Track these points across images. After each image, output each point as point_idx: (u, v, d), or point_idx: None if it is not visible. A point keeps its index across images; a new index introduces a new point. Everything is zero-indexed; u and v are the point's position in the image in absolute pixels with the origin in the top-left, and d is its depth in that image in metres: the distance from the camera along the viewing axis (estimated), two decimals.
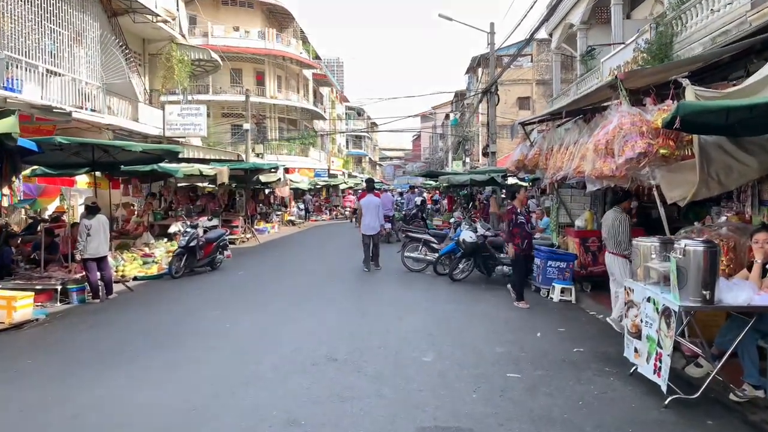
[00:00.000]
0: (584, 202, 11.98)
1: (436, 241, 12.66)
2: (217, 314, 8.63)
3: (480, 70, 46.33)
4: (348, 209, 34.07)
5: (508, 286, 9.95)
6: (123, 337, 7.52)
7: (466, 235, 11.07)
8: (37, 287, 10.06)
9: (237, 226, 20.64)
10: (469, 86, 55.83)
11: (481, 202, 26.85)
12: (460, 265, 11.41)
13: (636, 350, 5.85)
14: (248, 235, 20.82)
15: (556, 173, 9.82)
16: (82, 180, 14.69)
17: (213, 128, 37.96)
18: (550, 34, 28.42)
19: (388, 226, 18.37)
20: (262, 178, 19.86)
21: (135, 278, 12.51)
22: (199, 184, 21.89)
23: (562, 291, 9.86)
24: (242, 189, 22.20)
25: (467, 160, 44.94)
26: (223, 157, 23.32)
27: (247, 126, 25.39)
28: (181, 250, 12.69)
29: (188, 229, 12.93)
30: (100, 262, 10.37)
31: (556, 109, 9.87)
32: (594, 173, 6.96)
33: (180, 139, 22.68)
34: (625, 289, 6.28)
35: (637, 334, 5.84)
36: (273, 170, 20.63)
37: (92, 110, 17.68)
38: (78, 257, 10.40)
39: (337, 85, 58.50)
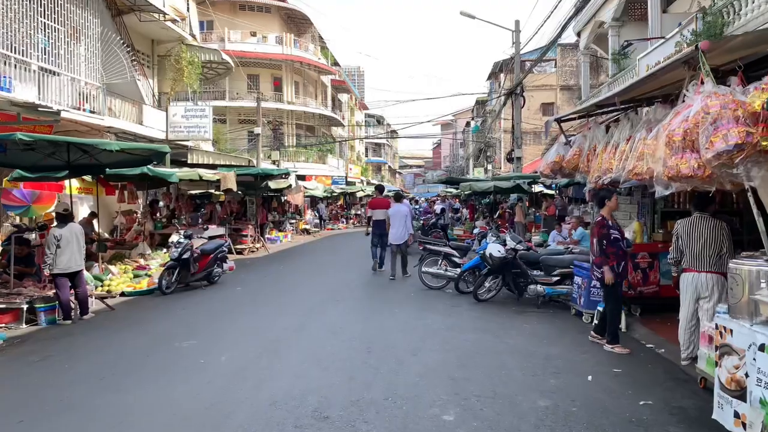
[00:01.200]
0: (630, 210, 10.28)
1: (458, 255, 11.06)
2: (192, 345, 7.10)
3: (502, 75, 44.68)
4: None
5: (592, 332, 7.42)
6: (72, 377, 6.02)
7: (494, 249, 9.44)
8: (1, 306, 8.70)
9: (247, 236, 19.25)
10: (491, 92, 54.16)
11: (504, 210, 25.14)
12: (486, 283, 9.77)
13: (737, 415, 4.18)
14: (258, 245, 19.38)
15: (603, 176, 8.18)
16: (72, 185, 13.33)
17: (229, 135, 36.90)
18: (578, 34, 26.69)
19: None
20: (272, 184, 18.44)
21: (123, 294, 11.12)
22: (215, 192, 20.59)
23: None
24: (252, 196, 20.82)
25: (489, 167, 43.19)
26: (233, 163, 22.00)
27: (258, 130, 24.05)
28: (173, 263, 11.25)
29: (181, 240, 11.49)
30: (74, 277, 8.95)
31: (604, 98, 8.24)
32: (667, 173, 5.29)
33: (187, 143, 21.43)
34: (717, 328, 4.61)
35: (739, 393, 4.19)
36: (284, 176, 19.18)
37: (91, 111, 16.44)
38: (46, 272, 9.00)
39: (355, 92, 57.20)
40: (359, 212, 38.13)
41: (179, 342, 7.21)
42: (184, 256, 11.24)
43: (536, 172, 25.71)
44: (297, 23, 41.80)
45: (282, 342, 7.14)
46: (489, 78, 53.39)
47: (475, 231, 12.74)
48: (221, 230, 17.99)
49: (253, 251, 19.18)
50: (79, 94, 16.15)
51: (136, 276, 12.20)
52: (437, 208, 17.40)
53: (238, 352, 6.74)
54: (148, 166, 11.37)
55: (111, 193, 13.85)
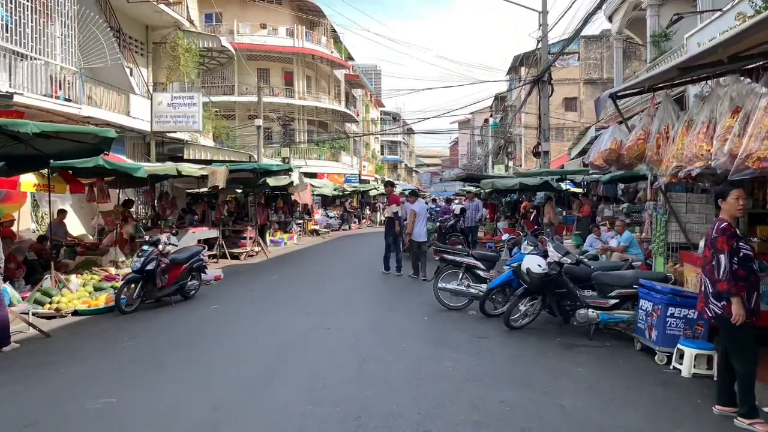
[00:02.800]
0: (705, 212, 7.88)
1: (483, 267, 8.73)
2: (107, 406, 4.88)
3: (523, 69, 42.16)
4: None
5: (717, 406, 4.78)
6: None
7: (532, 263, 7.12)
8: None
9: (246, 238, 17.11)
10: (511, 86, 51.54)
11: (527, 210, 22.70)
12: (522, 307, 7.45)
13: None
14: (257, 249, 17.22)
15: (687, 166, 5.85)
16: (28, 180, 11.27)
17: (238, 130, 34.86)
18: (610, 18, 24.12)
19: None
20: (271, 181, 16.26)
21: (76, 312, 8.99)
22: (206, 190, 18.45)
23: (696, 359, 5.83)
24: (253, 194, 18.69)
25: (510, 164, 40.68)
26: (233, 158, 19.89)
27: (258, 122, 21.86)
28: (135, 275, 9.09)
29: (145, 248, 9.32)
30: None
31: (684, 60, 5.89)
32: None
33: (185, 138, 19.35)
34: None
35: None
36: (287, 173, 16.98)
37: (67, 99, 14.40)
38: None
39: (370, 87, 54.90)
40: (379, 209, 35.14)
41: (94, 400, 5.00)
42: (149, 267, 9.07)
43: (585, 166, 23.10)
44: (309, 15, 39.62)
45: (232, 408, 4.86)
46: (509, 72, 50.82)
47: (505, 237, 10.35)
48: (214, 233, 15.89)
49: (251, 255, 17.04)
50: (53, 80, 14.14)
51: (97, 289, 10.08)
52: (456, 207, 14.95)
53: (163, 426, 4.50)
54: (104, 158, 9.20)
55: (78, 190, 11.78)
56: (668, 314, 6.19)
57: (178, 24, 20.12)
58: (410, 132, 66.38)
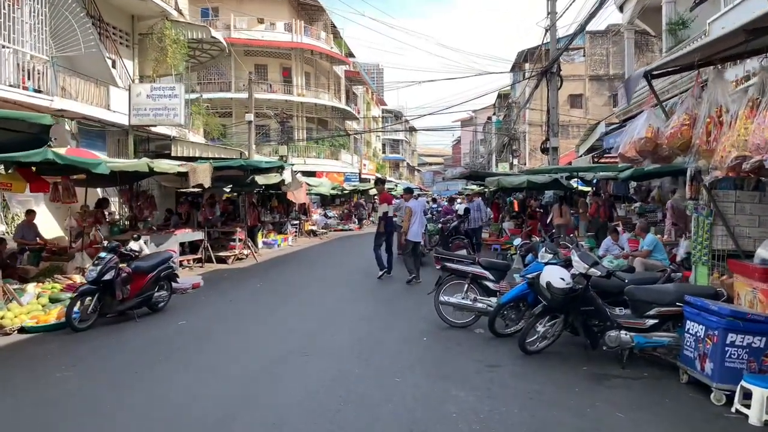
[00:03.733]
0: (759, 213, 6.58)
1: (492, 278, 7.42)
2: None
3: (527, 65, 40.85)
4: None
5: None
6: None
7: (553, 275, 5.81)
8: None
9: (236, 240, 15.85)
10: (515, 83, 50.16)
11: (533, 209, 21.36)
12: (539, 327, 6.14)
13: None
14: (246, 252, 15.94)
15: (757, 155, 4.57)
16: None
17: (234, 128, 33.62)
18: (621, 7, 22.76)
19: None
20: (260, 179, 14.98)
21: (23, 330, 7.73)
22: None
23: None
24: (244, 194, 17.43)
25: (515, 161, 39.32)
26: (223, 155, 18.61)
27: (249, 117, 20.54)
28: (90, 286, 7.81)
29: (102, 255, 8.04)
30: None
31: (761, 15, 4.59)
32: None
33: (171, 134, 18.10)
34: None
35: None
36: (279, 170, 15.67)
37: (37, 90, 13.16)
38: None
39: (371, 84, 53.54)
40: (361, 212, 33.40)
41: None
42: (106, 277, 7.80)
43: (595, 162, 21.62)
44: (308, 10, 38.36)
45: None
46: (513, 69, 49.50)
47: (516, 242, 8.94)
48: (198, 235, 14.61)
49: (240, 259, 15.76)
50: (21, 69, 12.91)
51: (54, 301, 8.82)
52: (459, 207, 13.56)
53: None
54: (54, 151, 7.91)
55: (42, 189, 10.50)
56: (728, 342, 4.89)
57: (166, 14, 18.82)
58: (412, 130, 65.13)
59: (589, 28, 37.00)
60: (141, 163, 10.75)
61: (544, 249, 6.64)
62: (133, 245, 9.97)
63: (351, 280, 11.94)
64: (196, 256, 14.60)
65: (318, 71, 38.59)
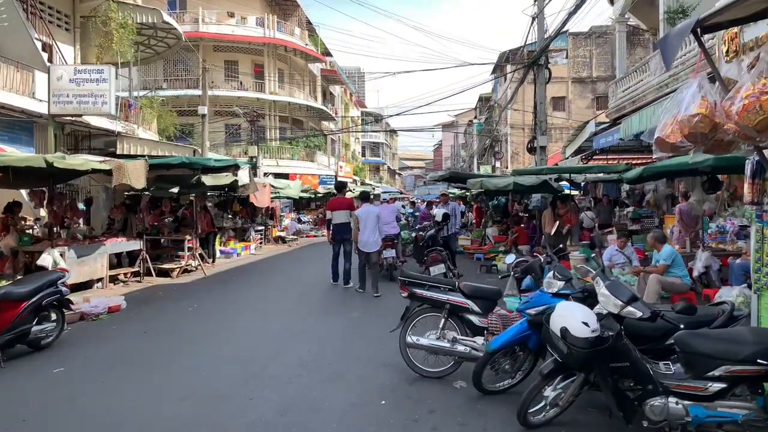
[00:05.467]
0: None
1: (477, 309, 5.38)
2: None
3: (509, 67, 39.14)
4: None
5: None
6: None
7: (571, 320, 3.79)
8: None
9: (187, 249, 13.69)
10: (496, 86, 48.51)
11: (517, 213, 19.46)
12: (549, 392, 4.13)
13: None
14: (195, 263, 13.77)
15: None
16: None
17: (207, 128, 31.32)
18: (612, 0, 21.06)
19: (390, 254, 11.12)
20: (208, 180, 12.81)
21: None
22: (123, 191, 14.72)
23: None
24: (196, 196, 15.25)
25: (497, 164, 37.54)
26: (174, 153, 16.40)
27: (202, 110, 18.33)
28: None
29: None
30: None
31: None
32: None
33: (117, 129, 15.87)
34: None
35: None
36: (233, 169, 13.51)
37: None
38: None
39: (349, 84, 51.45)
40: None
41: None
42: None
43: (603, 159, 19.56)
44: (281, 5, 36.21)
45: None
46: (494, 71, 47.87)
47: (509, 259, 6.78)
48: (134, 244, 12.42)
49: (188, 271, 13.61)
50: None
51: None
52: (437, 212, 11.48)
53: None
54: None
55: None
56: None
57: None
58: (391, 131, 63.26)
59: (572, 29, 35.11)
60: (35, 158, 8.56)
61: (552, 273, 4.62)
62: (43, 259, 7.83)
63: (306, 301, 9.86)
64: (133, 269, 12.45)
65: (292, 69, 36.45)
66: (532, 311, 4.58)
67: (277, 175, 29.48)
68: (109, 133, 15.86)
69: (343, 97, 49.60)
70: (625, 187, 20.75)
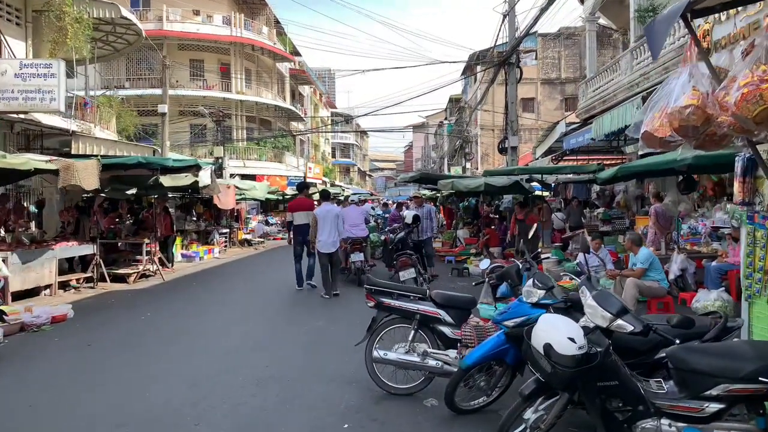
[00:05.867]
0: None
1: (449, 320, 4.91)
2: None
3: (479, 67, 39.01)
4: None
5: None
6: None
7: (556, 336, 3.34)
8: None
9: (146, 253, 12.95)
10: (466, 88, 48.42)
11: (487, 215, 19.17)
12: (530, 414, 3.68)
13: None
14: (154, 268, 13.05)
15: None
16: None
17: (168, 127, 30.35)
18: None
19: (358, 258, 10.61)
20: (166, 180, 12.10)
21: None
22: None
23: None
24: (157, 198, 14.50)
25: (468, 165, 37.35)
26: (133, 153, 15.61)
27: (162, 108, 17.53)
28: None
29: None
30: None
31: None
32: None
33: (72, 129, 15.02)
34: None
35: None
36: (194, 169, 12.82)
37: None
38: None
39: (318, 84, 50.78)
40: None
41: None
42: None
43: (573, 159, 19.44)
44: (249, 3, 35.42)
45: None
46: (464, 72, 47.79)
47: (483, 264, 6.21)
48: (86, 248, 11.67)
49: (146, 276, 12.89)
50: None
51: None
52: (407, 213, 10.96)
53: None
54: None
55: None
56: None
57: None
58: (361, 132, 62.77)
59: (542, 30, 35.00)
60: None
61: (531, 281, 4.19)
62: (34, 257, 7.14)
63: (266, 309, 9.30)
64: (86, 275, 11.70)
65: (260, 68, 35.67)
66: (510, 323, 4.14)
67: (244, 177, 28.72)
68: (63, 133, 15.01)
69: (313, 98, 48.90)
70: (596, 188, 20.65)
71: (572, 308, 4.00)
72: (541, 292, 4.06)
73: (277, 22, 37.16)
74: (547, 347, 3.40)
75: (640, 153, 6.68)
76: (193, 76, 32.51)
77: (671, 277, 8.94)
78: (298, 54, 41.79)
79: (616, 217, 16.16)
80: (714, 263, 8.84)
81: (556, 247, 12.82)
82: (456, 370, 4.63)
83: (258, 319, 8.41)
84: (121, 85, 30.83)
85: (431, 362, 4.77)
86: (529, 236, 11.08)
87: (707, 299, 7.91)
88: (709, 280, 8.77)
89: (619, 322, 3.45)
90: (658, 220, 10.36)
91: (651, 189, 16.23)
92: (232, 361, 6.11)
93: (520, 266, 4.91)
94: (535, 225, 11.17)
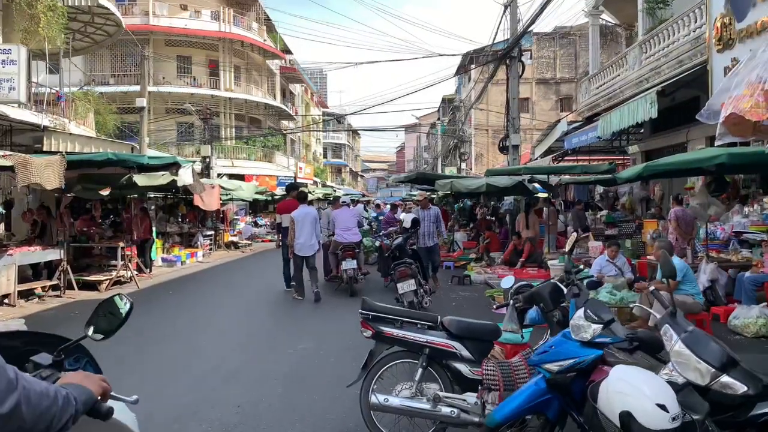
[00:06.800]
0: None
1: (467, 354, 3.86)
2: None
3: (473, 66, 38.03)
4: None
5: None
6: None
7: (637, 401, 2.34)
8: None
9: (121, 258, 11.83)
10: (459, 88, 47.48)
11: (484, 217, 18.18)
12: None
13: None
14: (129, 274, 11.93)
15: None
16: None
17: (153, 125, 29.21)
18: None
19: (350, 266, 9.52)
20: (140, 180, 10.98)
21: None
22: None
23: None
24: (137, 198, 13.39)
25: (463, 165, 36.37)
26: (109, 150, 14.48)
27: (142, 102, 16.38)
28: None
29: None
30: None
31: None
32: None
33: (44, 124, 13.83)
34: None
35: None
36: (174, 167, 11.71)
37: None
38: None
39: (309, 82, 49.65)
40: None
41: None
42: None
43: (574, 159, 18.61)
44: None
45: None
46: (458, 72, 46.79)
47: (506, 282, 5.09)
48: (52, 253, 10.54)
49: (120, 283, 11.78)
50: None
51: None
52: (405, 217, 9.76)
53: None
54: None
55: None
56: None
57: None
58: (353, 131, 61.70)
59: (536, 29, 34.17)
60: None
61: (583, 312, 3.14)
62: None
63: (247, 325, 8.22)
64: (52, 282, 10.58)
65: (249, 65, 34.51)
66: (552, 366, 3.10)
67: (233, 177, 27.58)
68: (35, 128, 13.84)
69: (304, 97, 47.76)
70: (599, 189, 19.74)
71: (638, 349, 2.96)
72: (597, 327, 3.02)
73: (268, 18, 36.05)
74: (626, 416, 2.35)
75: (717, 143, 5.58)
76: (181, 73, 31.33)
77: (700, 288, 7.97)
78: (289, 51, 40.68)
79: (622, 220, 15.24)
80: (747, 274, 7.88)
81: (562, 252, 11.87)
82: (476, 420, 3.60)
83: (236, 339, 7.31)
84: (106, 81, 29.63)
85: (444, 410, 3.71)
86: (567, 248, 10.03)
87: (747, 316, 6.94)
88: (742, 292, 7.82)
89: (726, 379, 2.42)
90: (679, 225, 9.38)
91: (656, 191, 15.33)
92: (197, 397, 5.01)
93: (563, 288, 3.85)
94: (574, 234, 10.16)
